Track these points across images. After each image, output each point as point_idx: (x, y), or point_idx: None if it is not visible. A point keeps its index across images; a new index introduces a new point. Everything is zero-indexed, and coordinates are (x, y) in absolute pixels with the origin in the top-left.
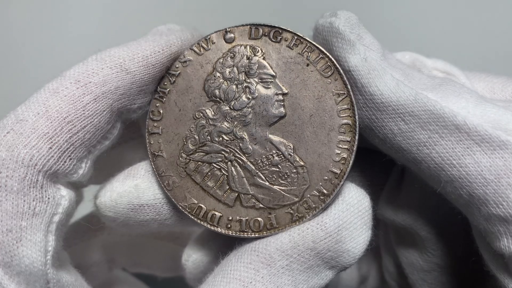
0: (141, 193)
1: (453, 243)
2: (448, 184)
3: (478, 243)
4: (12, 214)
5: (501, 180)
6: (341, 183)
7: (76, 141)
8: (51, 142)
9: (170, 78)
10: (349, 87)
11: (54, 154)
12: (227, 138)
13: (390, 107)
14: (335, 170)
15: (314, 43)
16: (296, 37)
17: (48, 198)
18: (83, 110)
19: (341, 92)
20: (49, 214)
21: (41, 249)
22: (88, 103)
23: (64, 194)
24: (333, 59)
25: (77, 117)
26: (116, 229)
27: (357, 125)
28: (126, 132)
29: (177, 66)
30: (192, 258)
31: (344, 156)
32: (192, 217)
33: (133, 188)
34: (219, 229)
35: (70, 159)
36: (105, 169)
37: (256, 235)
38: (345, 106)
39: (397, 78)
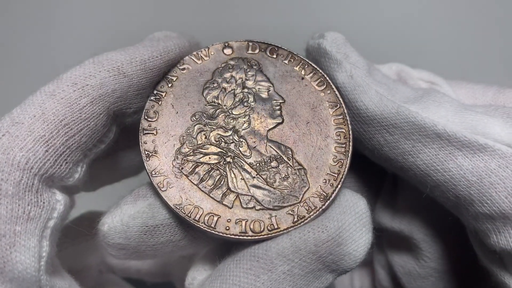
0: (156, 212)
1: (449, 245)
2: (435, 189)
3: (472, 241)
4: (6, 219)
5: (483, 181)
6: (340, 185)
7: (72, 144)
8: (48, 145)
9: (168, 82)
10: (341, 99)
11: (50, 157)
12: (225, 141)
13: (375, 120)
14: (333, 173)
15: (308, 60)
16: (291, 55)
17: (43, 203)
18: (80, 113)
19: (334, 102)
20: (44, 219)
21: (35, 255)
22: (85, 106)
23: (60, 199)
24: (325, 74)
25: (74, 120)
26: (123, 259)
27: (351, 131)
28: (121, 139)
29: (175, 72)
30: (197, 280)
31: (340, 159)
32: (188, 219)
33: (147, 208)
34: (216, 231)
35: (66, 162)
36: (99, 176)
37: (256, 237)
38: (339, 116)
39: (380, 93)
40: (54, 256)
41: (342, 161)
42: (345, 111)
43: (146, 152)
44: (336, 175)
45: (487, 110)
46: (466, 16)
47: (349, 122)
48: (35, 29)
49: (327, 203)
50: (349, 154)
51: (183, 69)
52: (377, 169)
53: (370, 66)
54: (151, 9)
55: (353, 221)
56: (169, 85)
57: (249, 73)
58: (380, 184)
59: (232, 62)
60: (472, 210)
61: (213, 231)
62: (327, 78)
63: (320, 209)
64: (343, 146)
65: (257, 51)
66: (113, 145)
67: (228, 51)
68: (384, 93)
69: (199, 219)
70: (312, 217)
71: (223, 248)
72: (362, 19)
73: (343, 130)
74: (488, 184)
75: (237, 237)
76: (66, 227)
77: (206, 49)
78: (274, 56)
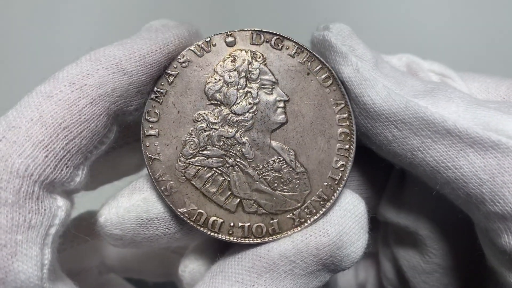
0: (150, 206)
1: (454, 242)
2: (445, 186)
3: (481, 240)
4: (7, 228)
5: (496, 179)
6: (340, 189)
7: (72, 148)
8: (47, 150)
9: (168, 79)
10: (346, 97)
11: (51, 163)
12: (228, 143)
13: (383, 115)
14: (335, 177)
15: (314, 53)
16: (297, 46)
17: (45, 210)
18: (79, 115)
19: (339, 101)
20: (45, 226)
21: (37, 264)
22: (84, 107)
23: (61, 205)
24: (331, 69)
25: (73, 123)
26: (121, 248)
27: (355, 134)
28: (120, 136)
29: (175, 66)
30: (189, 268)
31: (343, 163)
32: (192, 224)
33: (142, 202)
34: (220, 235)
35: (67, 167)
36: (99, 175)
37: (259, 240)
38: (344, 115)
39: (388, 86)
40: (55, 262)
41: (344, 164)
42: (350, 110)
43: (149, 156)
44: (338, 178)
45: (500, 106)
46: (477, 7)
47: (353, 122)
48: (27, 23)
49: (327, 208)
50: (352, 156)
51: (183, 63)
52: (383, 163)
53: (378, 58)
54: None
55: (352, 224)
56: (169, 81)
57: (253, 66)
58: (386, 177)
59: (235, 55)
60: (484, 209)
61: (217, 236)
62: (334, 74)
63: (320, 213)
64: (346, 148)
65: (261, 41)
66: (112, 143)
67: (231, 42)
68: (392, 87)
69: (203, 224)
70: (312, 221)
71: (217, 240)
72: (371, 10)
73: (347, 131)
74: (501, 183)
75: (240, 241)
76: (64, 229)
77: (208, 41)
78: (280, 48)
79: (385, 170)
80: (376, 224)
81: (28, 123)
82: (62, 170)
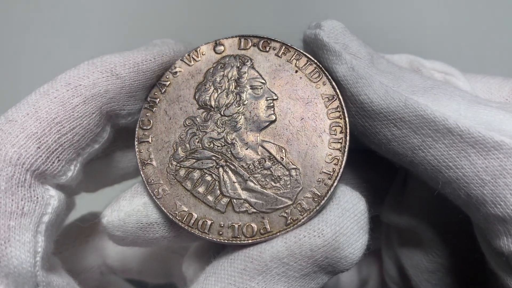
0: (150, 211)
1: (458, 242)
2: (446, 186)
3: (480, 241)
4: (0, 214)
5: (498, 181)
6: (335, 184)
7: (64, 142)
8: (39, 142)
9: (160, 88)
10: (337, 90)
11: (42, 154)
12: (218, 144)
13: (382, 114)
14: (328, 171)
15: (301, 51)
16: (284, 46)
17: (37, 198)
18: (72, 112)
19: (330, 95)
20: (38, 214)
21: (30, 250)
22: (78, 105)
23: (53, 194)
24: (320, 65)
25: (66, 118)
26: (125, 246)
27: (348, 126)
28: (119, 139)
29: (167, 76)
30: (193, 267)
31: (336, 156)
32: (182, 225)
33: (142, 207)
34: (210, 236)
35: (59, 160)
36: (99, 177)
37: (250, 241)
38: (335, 109)
39: (385, 84)
40: (51, 253)
41: (337, 158)
42: (342, 103)
43: (142, 161)
44: (331, 173)
45: (503, 105)
46: (477, 9)
47: (346, 115)
48: (39, 36)
49: (321, 204)
50: (346, 150)
51: (175, 73)
52: (386, 165)
53: (374, 54)
54: (149, 15)
55: (351, 225)
56: (162, 90)
57: (242, 70)
58: (389, 181)
59: (223, 61)
60: (484, 210)
61: (206, 237)
62: (323, 69)
63: (314, 211)
64: (339, 141)
65: (249, 46)
66: (111, 146)
67: (219, 49)
68: (390, 84)
69: (192, 225)
70: (305, 219)
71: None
72: (365, 10)
73: (340, 124)
74: (503, 185)
75: (230, 241)
76: (66, 229)
77: (197, 50)
78: (267, 50)
79: (388, 173)
80: (378, 222)
81: (24, 117)
82: (53, 162)
